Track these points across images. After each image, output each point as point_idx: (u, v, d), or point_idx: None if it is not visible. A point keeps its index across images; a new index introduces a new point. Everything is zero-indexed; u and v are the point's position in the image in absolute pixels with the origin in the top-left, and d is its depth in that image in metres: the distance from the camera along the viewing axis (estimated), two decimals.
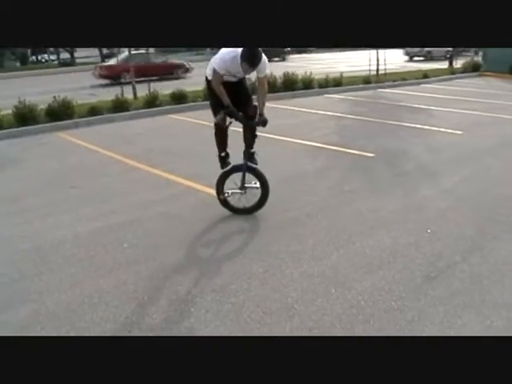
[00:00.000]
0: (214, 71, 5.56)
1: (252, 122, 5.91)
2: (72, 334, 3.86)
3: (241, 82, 5.96)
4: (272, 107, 14.25)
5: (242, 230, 5.68)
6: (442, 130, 10.72)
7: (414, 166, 8.05)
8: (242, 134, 6.04)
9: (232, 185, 6.07)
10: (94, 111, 13.35)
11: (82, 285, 4.64)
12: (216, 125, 5.98)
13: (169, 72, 25.95)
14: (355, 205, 6.29)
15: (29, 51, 49.48)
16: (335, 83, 17.62)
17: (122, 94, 14.52)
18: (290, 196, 6.70)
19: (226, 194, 6.11)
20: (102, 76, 24.63)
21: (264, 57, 5.54)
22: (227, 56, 5.44)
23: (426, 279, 4.46)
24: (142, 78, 19.32)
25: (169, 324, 3.92)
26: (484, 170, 7.80)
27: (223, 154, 6.20)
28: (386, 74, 20.63)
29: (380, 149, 9.00)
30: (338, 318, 3.89)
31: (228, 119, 5.88)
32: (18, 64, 44.69)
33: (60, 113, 12.75)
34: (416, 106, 14.19)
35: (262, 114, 5.87)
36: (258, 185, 5.96)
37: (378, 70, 20.64)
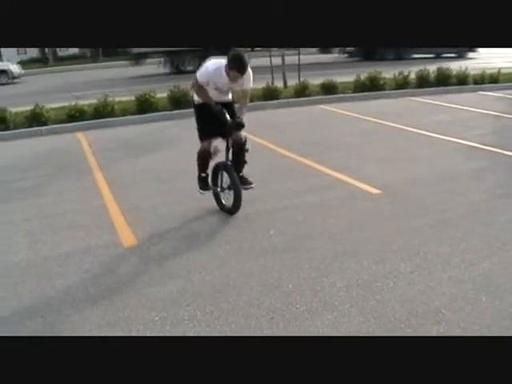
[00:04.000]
0: (196, 81, 5.57)
1: (231, 122, 5.67)
2: (216, 314, 3.99)
3: (228, 106, 5.83)
4: (424, 102, 13.90)
5: (393, 226, 5.55)
6: None
7: None
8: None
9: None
10: None
11: (228, 267, 4.78)
12: (201, 151, 5.89)
13: None
14: None
15: None
16: (492, 80, 16.69)
17: (273, 82, 14.72)
18: (443, 196, 6.44)
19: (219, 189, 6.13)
20: None
21: (249, 70, 5.49)
22: (210, 68, 5.44)
23: None
24: None
25: (311, 315, 3.92)
26: None
27: (204, 175, 6.12)
28: None
29: None
30: (488, 328, 3.67)
31: (213, 146, 5.85)
32: None
33: None
34: None
35: (238, 117, 5.71)
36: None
37: None
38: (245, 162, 6.07)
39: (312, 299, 4.14)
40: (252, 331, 3.73)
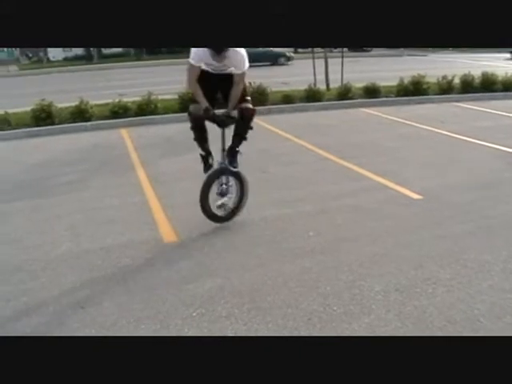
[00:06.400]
0: (190, 65, 5.19)
1: (223, 120, 5.44)
2: (253, 313, 4.02)
3: (230, 78, 5.40)
4: (468, 108, 13.69)
5: (433, 232, 5.49)
6: None
7: None
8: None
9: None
10: (287, 99, 13.70)
11: (266, 266, 4.80)
12: (190, 115, 5.52)
13: None
14: None
15: None
16: None
17: (315, 84, 14.72)
18: (485, 203, 6.36)
19: (217, 210, 5.65)
20: None
21: (242, 52, 5.13)
22: (200, 48, 5.01)
23: None
24: None
25: (348, 317, 3.92)
26: None
27: (204, 154, 5.73)
28: None
29: None
30: None
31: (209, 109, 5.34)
32: None
33: (254, 99, 13.22)
34: None
35: (227, 111, 5.47)
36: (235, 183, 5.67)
37: None
38: (245, 139, 5.67)
39: (349, 302, 4.14)
40: (289, 331, 3.76)
